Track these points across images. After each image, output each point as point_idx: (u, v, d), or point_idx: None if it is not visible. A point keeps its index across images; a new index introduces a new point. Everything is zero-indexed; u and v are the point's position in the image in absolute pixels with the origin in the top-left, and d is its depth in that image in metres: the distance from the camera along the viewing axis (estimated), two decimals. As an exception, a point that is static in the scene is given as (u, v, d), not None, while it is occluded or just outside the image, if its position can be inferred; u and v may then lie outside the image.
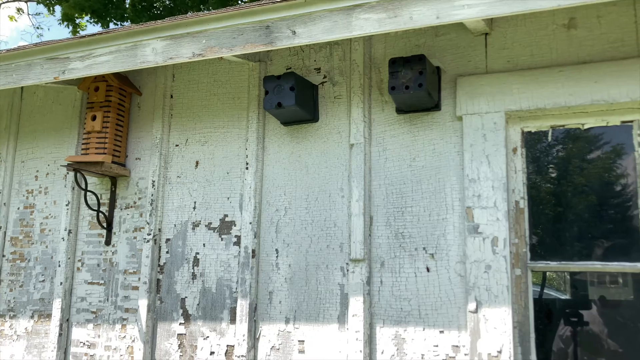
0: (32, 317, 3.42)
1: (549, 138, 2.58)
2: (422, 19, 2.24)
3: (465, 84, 2.58)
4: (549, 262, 2.52)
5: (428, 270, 2.56)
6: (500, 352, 2.34)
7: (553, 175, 2.71)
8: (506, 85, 2.51)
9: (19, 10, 14.54)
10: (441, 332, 2.48)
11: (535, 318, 2.46)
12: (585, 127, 2.49)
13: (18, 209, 3.62)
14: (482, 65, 2.60)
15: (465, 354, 2.42)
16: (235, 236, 2.97)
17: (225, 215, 3.01)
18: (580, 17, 2.48)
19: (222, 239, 3.00)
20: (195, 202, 3.11)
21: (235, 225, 2.98)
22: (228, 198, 3.02)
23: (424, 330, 2.51)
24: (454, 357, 2.44)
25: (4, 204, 3.64)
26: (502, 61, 2.57)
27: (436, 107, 2.65)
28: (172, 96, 3.31)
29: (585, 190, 2.66)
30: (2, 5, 14.49)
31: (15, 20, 14.48)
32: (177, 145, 3.23)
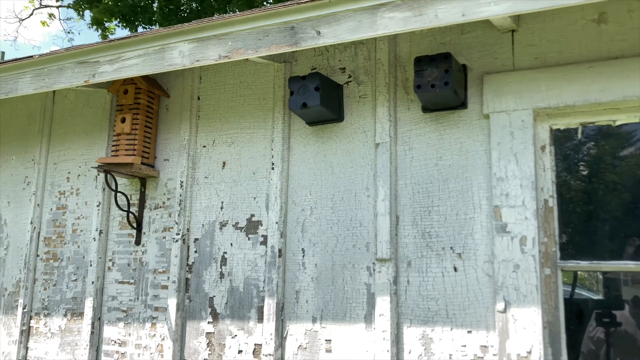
0: (65, 315, 3.50)
1: (579, 135, 2.54)
2: (448, 17, 2.23)
3: (492, 81, 2.56)
4: (579, 261, 2.47)
5: (455, 269, 2.54)
6: (529, 352, 2.31)
7: (584, 173, 2.66)
8: (534, 82, 2.47)
9: (50, 15, 14.88)
10: (469, 332, 2.46)
11: (566, 318, 2.42)
12: (617, 123, 2.44)
13: (51, 209, 3.71)
14: (509, 63, 2.57)
15: (494, 354, 2.40)
16: (262, 236, 2.99)
17: (252, 215, 3.04)
18: (610, 11, 2.43)
19: (249, 239, 3.02)
20: (222, 202, 3.14)
21: (261, 225, 3.00)
22: (254, 198, 3.05)
23: (451, 330, 2.50)
24: (483, 358, 2.42)
25: (38, 205, 3.73)
26: (530, 58, 2.54)
27: (462, 105, 2.62)
28: (199, 98, 3.35)
29: (618, 188, 2.61)
30: (35, 11, 14.84)
31: (48, 25, 14.81)
32: (204, 146, 3.27)
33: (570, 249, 2.56)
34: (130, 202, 3.38)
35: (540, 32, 2.54)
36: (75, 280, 3.50)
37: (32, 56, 3.29)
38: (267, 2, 11.35)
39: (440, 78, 2.46)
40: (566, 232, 2.57)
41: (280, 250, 2.90)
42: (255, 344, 2.90)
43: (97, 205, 3.47)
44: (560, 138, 2.55)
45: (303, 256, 2.87)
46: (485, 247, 2.49)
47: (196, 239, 3.18)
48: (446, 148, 2.64)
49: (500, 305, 2.39)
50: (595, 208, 2.66)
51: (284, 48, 2.55)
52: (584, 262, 2.47)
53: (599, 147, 2.62)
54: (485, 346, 2.42)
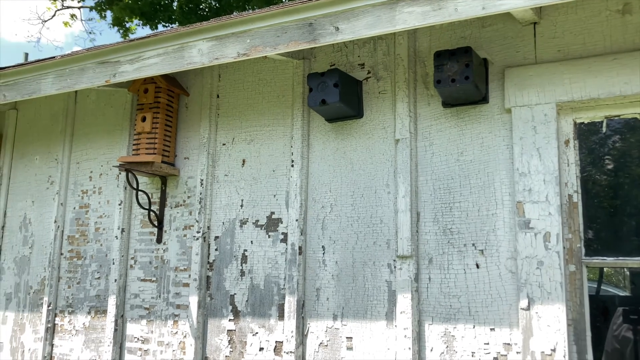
0: (89, 312, 3.54)
1: (604, 129, 2.49)
2: (468, 11, 2.19)
3: (513, 75, 2.51)
4: (605, 257, 2.42)
5: (478, 266, 2.50)
6: (554, 350, 2.27)
7: (609, 167, 2.61)
8: (557, 75, 2.43)
9: (72, 16, 15.07)
10: (492, 329, 2.43)
11: (592, 315, 2.37)
12: (643, 116, 2.39)
13: (74, 208, 3.76)
14: (531, 56, 2.53)
15: (518, 352, 2.36)
16: (282, 233, 2.99)
17: (272, 213, 3.04)
18: (635, 2, 2.37)
19: (269, 236, 3.02)
20: (242, 200, 3.14)
21: (282, 223, 3.00)
22: (274, 195, 3.05)
23: (474, 327, 2.47)
24: (506, 356, 2.39)
25: (61, 204, 3.78)
26: (552, 51, 2.49)
27: (484, 99, 2.59)
28: (218, 96, 3.36)
29: (646, 182, 2.55)
30: (57, 12, 15.05)
31: (70, 25, 15.00)
32: (224, 144, 3.27)
33: (596, 245, 2.51)
34: (151, 200, 3.40)
35: (563, 24, 2.49)
36: (99, 278, 3.54)
37: (54, 57, 3.33)
38: (286, -1, 11.35)
39: (461, 72, 2.43)
40: (591, 228, 2.52)
41: (300, 248, 2.89)
42: (276, 342, 2.90)
43: (119, 204, 3.51)
44: (585, 132, 2.50)
45: (323, 253, 2.86)
46: (508, 244, 2.45)
47: (217, 237, 3.19)
48: (467, 143, 2.61)
49: (523, 303, 2.35)
50: (622, 203, 2.61)
51: (302, 45, 2.54)
52: (610, 258, 2.41)
53: (625, 140, 2.56)
54: (508, 344, 2.39)
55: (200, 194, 3.24)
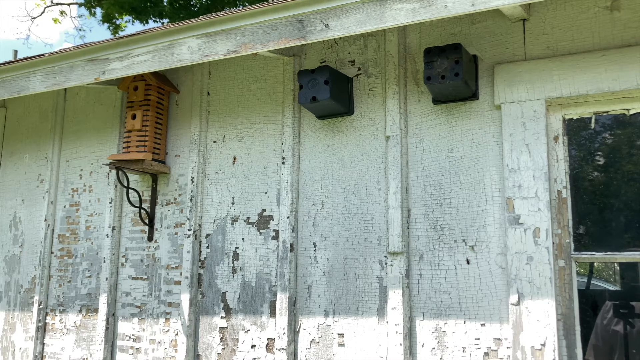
0: (80, 311, 3.53)
1: (592, 125, 2.50)
2: (457, 7, 2.20)
3: (503, 71, 2.52)
4: (594, 252, 2.44)
5: (468, 262, 2.52)
6: (544, 345, 2.29)
7: (599, 163, 2.63)
8: (546, 71, 2.44)
9: (62, 12, 14.96)
10: (482, 325, 2.44)
11: (581, 310, 2.39)
12: (631, 112, 2.40)
13: (64, 207, 3.74)
14: (520, 52, 2.54)
15: (508, 347, 2.38)
16: (274, 230, 2.99)
17: (263, 210, 3.04)
18: (623, -2, 2.38)
19: (260, 234, 3.02)
20: (233, 198, 3.14)
21: (273, 220, 3.00)
22: (265, 193, 3.04)
23: (464, 323, 2.48)
24: (496, 351, 2.40)
25: (51, 202, 3.76)
26: (541, 47, 2.50)
27: (474, 96, 2.59)
28: (209, 93, 3.35)
29: (634, 177, 2.57)
30: (47, 8, 14.93)
31: (59, 22, 14.91)
32: (214, 142, 3.27)
33: (585, 240, 2.54)
34: (142, 198, 3.39)
35: (552, 21, 2.50)
36: (90, 276, 3.53)
37: (42, 54, 3.31)
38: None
39: (451, 69, 2.43)
40: (581, 223, 2.54)
41: (292, 245, 2.90)
42: (268, 339, 2.91)
43: (110, 202, 3.49)
44: (574, 128, 2.52)
45: (315, 250, 2.87)
46: (498, 239, 2.46)
47: (208, 235, 3.18)
48: (457, 140, 2.62)
49: (513, 298, 2.36)
50: (611, 198, 2.63)
51: (292, 42, 2.53)
52: (599, 253, 2.43)
53: (614, 136, 2.58)
54: (498, 339, 2.41)
55: (191, 191, 3.23)
